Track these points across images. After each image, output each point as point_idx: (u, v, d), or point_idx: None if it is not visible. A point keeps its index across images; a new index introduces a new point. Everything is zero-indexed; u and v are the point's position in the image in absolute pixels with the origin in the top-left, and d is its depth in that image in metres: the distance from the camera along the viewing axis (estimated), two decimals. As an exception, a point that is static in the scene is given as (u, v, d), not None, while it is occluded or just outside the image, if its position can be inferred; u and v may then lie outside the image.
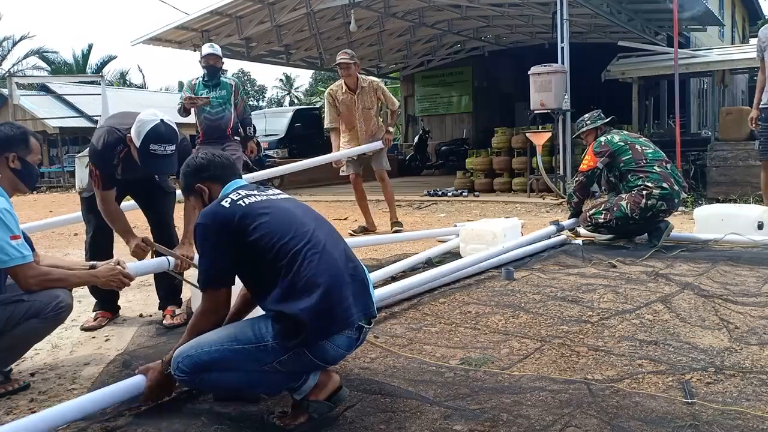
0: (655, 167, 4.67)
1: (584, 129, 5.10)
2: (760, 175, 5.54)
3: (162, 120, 2.95)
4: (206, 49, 5.72)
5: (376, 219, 6.66)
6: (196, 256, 2.59)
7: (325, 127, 6.40)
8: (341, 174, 6.41)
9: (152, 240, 3.23)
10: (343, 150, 6.09)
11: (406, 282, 3.48)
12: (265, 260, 1.99)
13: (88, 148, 3.32)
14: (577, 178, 5.04)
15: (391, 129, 6.26)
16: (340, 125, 6.15)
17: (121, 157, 3.12)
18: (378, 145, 6.05)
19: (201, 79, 5.68)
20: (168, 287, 3.49)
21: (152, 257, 3.18)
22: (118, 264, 2.64)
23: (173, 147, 2.98)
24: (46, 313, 2.37)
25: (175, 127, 3.02)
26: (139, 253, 3.15)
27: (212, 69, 5.63)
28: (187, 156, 3.24)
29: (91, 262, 2.80)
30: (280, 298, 1.95)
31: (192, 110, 5.58)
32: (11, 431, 1.85)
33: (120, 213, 3.25)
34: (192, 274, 3.10)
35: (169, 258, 3.05)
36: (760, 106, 5.51)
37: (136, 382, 2.14)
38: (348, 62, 5.90)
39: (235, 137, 5.68)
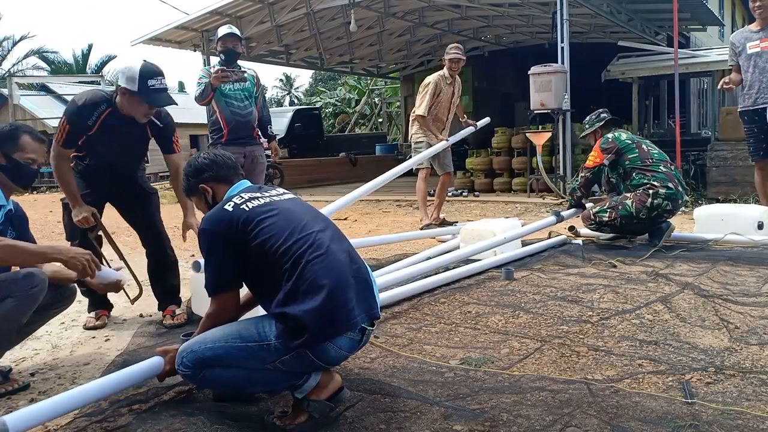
0: (661, 167, 4.67)
1: (590, 130, 5.10)
2: (755, 176, 5.54)
3: (144, 59, 3.07)
4: (224, 29, 4.84)
5: (376, 219, 6.65)
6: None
7: (421, 114, 6.32)
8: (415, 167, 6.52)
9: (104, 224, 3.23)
10: (450, 138, 6.40)
11: (407, 272, 3.48)
12: (268, 264, 1.99)
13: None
14: (582, 174, 5.00)
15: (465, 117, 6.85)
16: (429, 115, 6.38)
17: (101, 118, 3.10)
18: (471, 129, 6.64)
19: (218, 65, 4.79)
20: (166, 287, 3.49)
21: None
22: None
23: (166, 80, 3.11)
24: (20, 291, 2.33)
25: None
26: (83, 222, 3.14)
27: (231, 53, 4.77)
28: (170, 129, 3.34)
29: None
30: (284, 301, 1.94)
31: (212, 101, 4.71)
32: (41, 410, 1.89)
33: (71, 176, 3.20)
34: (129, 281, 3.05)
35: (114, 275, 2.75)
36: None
37: (155, 362, 2.17)
38: (461, 57, 6.41)
39: (261, 139, 4.99)
